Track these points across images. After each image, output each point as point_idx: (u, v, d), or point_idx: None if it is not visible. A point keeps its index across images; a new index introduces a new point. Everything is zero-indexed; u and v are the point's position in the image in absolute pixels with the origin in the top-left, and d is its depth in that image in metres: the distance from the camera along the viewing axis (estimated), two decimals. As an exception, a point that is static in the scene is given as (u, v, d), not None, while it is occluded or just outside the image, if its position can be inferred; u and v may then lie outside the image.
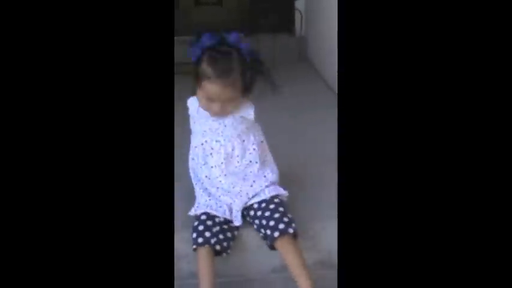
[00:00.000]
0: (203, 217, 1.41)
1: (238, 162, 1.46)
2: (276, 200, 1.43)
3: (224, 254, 1.39)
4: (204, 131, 1.46)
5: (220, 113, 1.40)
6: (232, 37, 1.38)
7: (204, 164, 1.48)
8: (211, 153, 1.46)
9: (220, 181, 1.47)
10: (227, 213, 1.43)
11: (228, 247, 1.40)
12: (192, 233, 1.39)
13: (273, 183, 1.48)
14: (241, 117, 1.45)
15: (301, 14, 3.06)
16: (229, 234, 1.41)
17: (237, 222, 1.43)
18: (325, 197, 1.52)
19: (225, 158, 1.45)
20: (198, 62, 1.37)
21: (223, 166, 1.46)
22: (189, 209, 1.49)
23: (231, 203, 1.45)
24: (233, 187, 1.47)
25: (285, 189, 1.49)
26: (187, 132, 1.53)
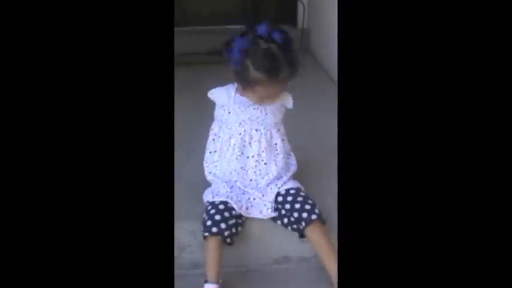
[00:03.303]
0: (221, 206, 1.40)
1: (277, 150, 1.48)
2: (302, 192, 1.46)
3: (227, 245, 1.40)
4: (243, 121, 1.45)
5: (268, 99, 1.41)
6: (261, 29, 1.35)
7: (240, 155, 1.47)
8: (250, 143, 1.46)
9: (255, 172, 1.47)
10: (243, 208, 1.44)
11: (234, 240, 1.41)
12: (207, 220, 1.37)
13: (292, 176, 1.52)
14: (282, 105, 1.47)
15: (304, 5, 3.05)
16: (240, 229, 1.43)
17: (273, 212, 1.45)
18: (327, 187, 1.53)
19: (265, 147, 1.46)
20: (240, 66, 1.34)
21: (263, 155, 1.46)
22: (192, 200, 1.50)
23: (254, 198, 1.46)
24: (266, 180, 1.47)
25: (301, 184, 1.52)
26: (187, 122, 1.53)
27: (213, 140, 1.51)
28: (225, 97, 1.45)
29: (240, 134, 1.46)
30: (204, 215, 1.39)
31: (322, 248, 1.36)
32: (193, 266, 1.44)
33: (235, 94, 1.44)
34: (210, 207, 1.41)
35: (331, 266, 1.33)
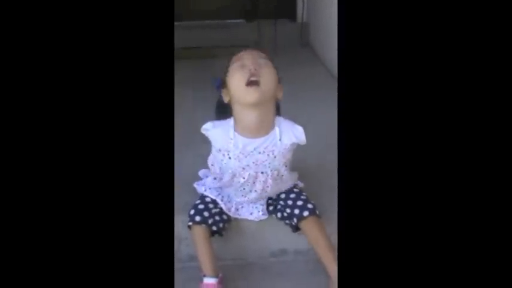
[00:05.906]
0: (207, 199, 1.42)
1: (282, 180, 1.41)
2: (296, 188, 1.46)
3: (217, 235, 1.40)
4: (247, 165, 1.34)
5: (256, 75, 1.27)
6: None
7: (242, 190, 1.40)
8: (254, 182, 1.38)
9: (256, 197, 1.43)
10: (232, 210, 1.44)
11: (224, 228, 1.42)
12: (190, 210, 1.39)
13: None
14: (293, 144, 1.35)
15: (303, -1, 3.05)
16: (225, 217, 1.43)
17: (264, 215, 1.45)
18: (326, 183, 1.53)
19: (271, 184, 1.38)
20: (221, 84, 1.37)
21: (268, 189, 1.40)
22: (190, 193, 1.50)
23: (245, 202, 1.45)
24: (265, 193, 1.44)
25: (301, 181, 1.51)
26: (187, 116, 1.53)
27: (215, 178, 1.45)
28: (222, 140, 1.33)
29: (243, 178, 1.36)
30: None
31: (317, 242, 1.36)
32: (190, 258, 1.45)
33: (234, 135, 1.32)
34: (198, 200, 1.43)
35: (327, 259, 1.33)
